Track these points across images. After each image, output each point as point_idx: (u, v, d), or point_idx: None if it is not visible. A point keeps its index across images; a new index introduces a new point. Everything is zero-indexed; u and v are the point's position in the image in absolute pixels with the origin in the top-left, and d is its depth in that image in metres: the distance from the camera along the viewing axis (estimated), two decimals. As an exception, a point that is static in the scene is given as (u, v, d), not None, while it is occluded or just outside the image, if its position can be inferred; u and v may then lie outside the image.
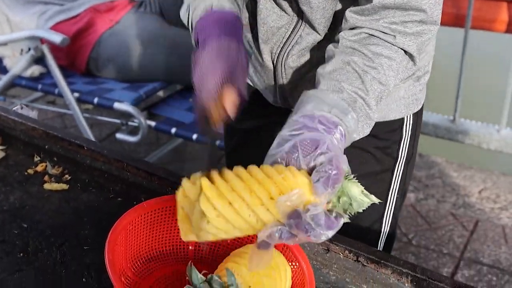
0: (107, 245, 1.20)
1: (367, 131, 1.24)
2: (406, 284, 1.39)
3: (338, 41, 1.33)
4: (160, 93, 3.52)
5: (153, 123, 3.20)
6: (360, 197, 1.08)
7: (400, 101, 1.57)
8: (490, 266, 3.13)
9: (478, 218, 3.45)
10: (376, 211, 1.69)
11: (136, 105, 3.23)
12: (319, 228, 1.02)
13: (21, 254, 1.44)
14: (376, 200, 1.10)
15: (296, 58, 1.49)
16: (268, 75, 1.58)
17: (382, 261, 1.41)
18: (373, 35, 1.29)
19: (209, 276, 1.14)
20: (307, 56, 1.49)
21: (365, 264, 1.43)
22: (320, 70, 1.29)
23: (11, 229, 1.51)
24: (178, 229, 1.18)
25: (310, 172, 1.08)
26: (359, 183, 1.09)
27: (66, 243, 1.48)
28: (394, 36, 1.29)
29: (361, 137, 1.23)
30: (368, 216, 1.68)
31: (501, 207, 3.54)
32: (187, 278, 1.17)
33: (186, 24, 1.51)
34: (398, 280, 1.40)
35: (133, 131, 3.43)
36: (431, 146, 3.87)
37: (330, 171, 1.05)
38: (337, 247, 1.45)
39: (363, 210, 1.65)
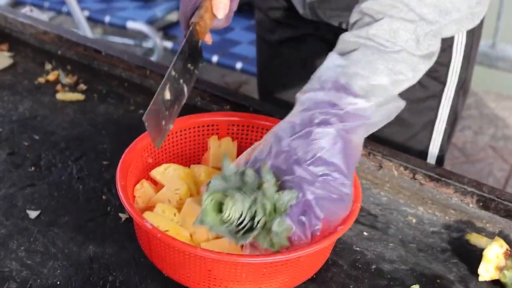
0: (118, 172, 1.08)
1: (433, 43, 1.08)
2: (471, 205, 1.24)
3: None
4: (175, 15, 3.34)
5: (169, 44, 3.03)
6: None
7: None
8: (535, 202, 2.95)
9: (519, 151, 3.27)
10: (419, 143, 1.52)
11: (151, 24, 3.06)
12: None
13: (33, 168, 1.28)
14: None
15: None
16: None
17: (443, 179, 1.25)
18: None
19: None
20: None
21: (423, 182, 1.27)
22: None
23: (21, 141, 1.35)
24: (197, 153, 1.25)
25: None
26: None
27: (82, 157, 1.32)
28: None
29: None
30: (411, 149, 1.51)
31: (544, 139, 3.35)
32: None
33: None
34: (461, 200, 1.24)
35: (147, 53, 3.26)
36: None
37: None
38: (390, 163, 1.29)
39: (404, 143, 1.54)
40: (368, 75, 1.02)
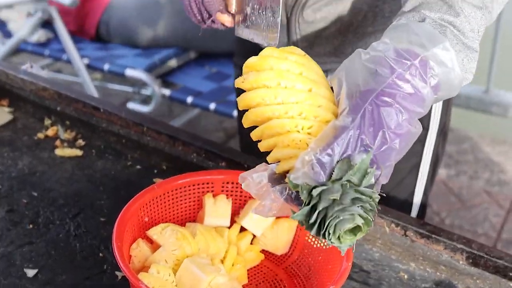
0: (114, 232, 1.09)
1: (471, 66, 0.98)
2: (461, 262, 1.26)
3: None
4: (174, 62, 3.38)
5: (167, 92, 3.06)
6: None
7: None
8: (530, 248, 2.96)
9: (514, 196, 3.28)
10: (405, 188, 1.56)
11: (149, 72, 3.09)
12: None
13: (31, 226, 1.30)
14: None
15: (312, 12, 1.36)
16: (281, 31, 1.44)
17: (433, 236, 1.27)
18: None
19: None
20: (324, 12, 1.36)
21: (414, 239, 1.29)
22: (397, 15, 1.06)
23: (20, 198, 1.38)
24: (192, 210, 1.25)
25: None
26: None
27: (80, 214, 1.34)
28: None
29: (470, 77, 0.99)
30: (397, 195, 1.55)
31: (539, 184, 3.37)
32: None
33: None
34: (451, 257, 1.26)
35: (145, 100, 3.28)
36: (462, 119, 3.66)
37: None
38: (382, 220, 1.31)
39: (392, 189, 1.54)
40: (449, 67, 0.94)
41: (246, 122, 0.98)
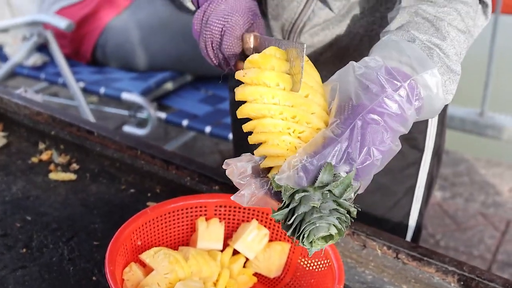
0: (107, 256, 1.09)
1: (452, 87, 1.03)
2: (452, 284, 1.26)
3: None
4: (170, 85, 3.39)
5: (163, 115, 3.06)
6: None
7: None
8: (525, 270, 2.96)
9: (509, 218, 3.26)
10: (402, 209, 1.57)
11: (145, 95, 3.10)
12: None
13: (24, 250, 1.30)
14: None
15: (309, 36, 1.38)
16: None
17: (425, 258, 1.28)
18: None
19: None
20: (320, 36, 1.37)
21: (405, 261, 1.29)
22: (384, 31, 1.11)
23: (14, 222, 1.38)
24: (185, 234, 1.25)
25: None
26: None
27: (74, 238, 1.35)
28: None
29: (449, 98, 1.04)
30: (393, 217, 1.56)
31: (534, 206, 3.37)
32: None
33: None
34: (443, 279, 1.26)
35: (141, 123, 3.29)
36: (457, 141, 3.67)
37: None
38: (374, 243, 1.31)
39: (388, 210, 1.57)
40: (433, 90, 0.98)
41: (240, 114, 1.00)
